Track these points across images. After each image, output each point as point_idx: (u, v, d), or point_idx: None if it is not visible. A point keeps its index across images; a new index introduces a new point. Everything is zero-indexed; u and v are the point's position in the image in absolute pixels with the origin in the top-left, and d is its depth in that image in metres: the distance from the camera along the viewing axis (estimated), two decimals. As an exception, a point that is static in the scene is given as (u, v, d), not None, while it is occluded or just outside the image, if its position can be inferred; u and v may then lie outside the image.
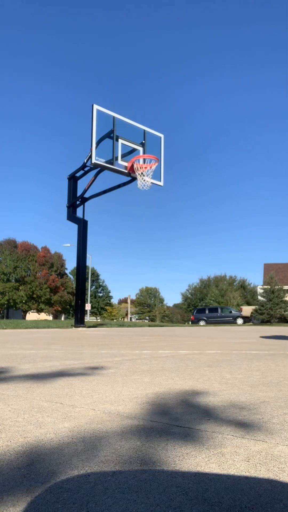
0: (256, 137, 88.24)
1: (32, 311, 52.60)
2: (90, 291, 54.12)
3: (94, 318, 60.30)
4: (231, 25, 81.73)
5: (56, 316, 56.62)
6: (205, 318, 33.06)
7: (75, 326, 9.50)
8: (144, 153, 9.55)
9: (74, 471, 0.74)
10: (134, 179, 9.40)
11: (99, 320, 53.90)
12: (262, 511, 0.60)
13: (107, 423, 1.06)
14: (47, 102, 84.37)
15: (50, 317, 54.13)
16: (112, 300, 69.14)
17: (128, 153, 9.44)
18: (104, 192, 9.99)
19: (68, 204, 9.98)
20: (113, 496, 0.64)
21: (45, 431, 1.00)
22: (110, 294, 67.42)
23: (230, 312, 33.68)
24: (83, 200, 9.90)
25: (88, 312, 43.28)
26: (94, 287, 64.21)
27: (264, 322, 31.84)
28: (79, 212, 9.98)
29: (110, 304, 67.76)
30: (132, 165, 9.13)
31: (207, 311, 34.56)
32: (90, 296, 52.36)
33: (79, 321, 9.58)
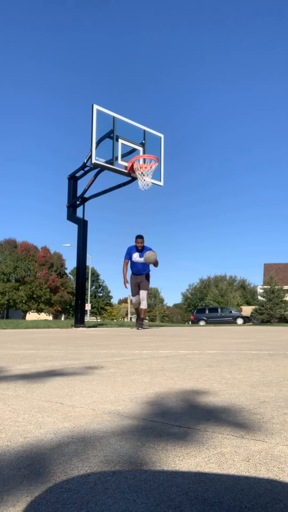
0: (259, 141, 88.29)
1: (32, 311, 52.59)
2: (90, 291, 54.09)
3: (94, 318, 60.30)
4: (233, 23, 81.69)
5: (56, 316, 56.58)
6: (205, 318, 33.07)
7: (75, 326, 9.50)
8: (144, 153, 9.54)
9: (74, 471, 0.74)
10: (134, 179, 9.39)
11: (99, 320, 53.88)
12: (262, 511, 0.60)
13: (107, 423, 1.06)
14: (48, 99, 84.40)
15: (50, 317, 54.11)
16: (112, 300, 69.12)
17: (128, 153, 9.43)
18: (104, 192, 9.99)
19: (68, 204, 9.98)
20: (113, 496, 0.64)
21: (45, 431, 1.00)
22: (110, 294, 67.42)
23: (230, 312, 33.69)
24: (83, 200, 9.90)
25: (88, 312, 43.28)
26: (94, 287, 64.19)
27: (264, 322, 31.84)
28: (79, 212, 9.97)
29: (110, 304, 67.72)
30: (132, 165, 9.13)
31: (207, 311, 34.57)
32: (90, 296, 52.33)
33: (79, 321, 9.57)
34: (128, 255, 8.87)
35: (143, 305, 8.88)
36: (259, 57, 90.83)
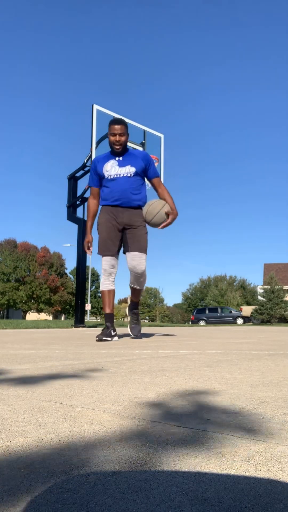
0: (257, 138, 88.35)
1: (32, 311, 52.62)
2: (90, 291, 54.06)
3: (94, 318, 60.32)
4: (232, 22, 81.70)
5: (56, 316, 56.61)
6: (205, 318, 33.10)
7: (75, 326, 9.49)
8: (144, 153, 9.54)
9: (74, 471, 0.74)
10: (134, 179, 9.39)
11: (99, 320, 53.87)
12: (262, 511, 0.60)
13: (107, 423, 1.06)
14: (48, 98, 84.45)
15: (50, 317, 54.13)
16: (112, 300, 68.85)
17: (128, 153, 9.43)
18: (104, 192, 9.99)
19: (68, 204, 9.98)
20: (113, 496, 0.64)
21: (45, 431, 1.00)
22: (110, 294, 67.15)
23: (230, 312, 33.74)
24: (83, 200, 9.90)
25: (88, 312, 43.27)
26: (94, 287, 64.16)
27: (264, 322, 31.85)
28: (79, 212, 9.98)
29: (110, 304, 67.43)
30: (132, 165, 9.11)
31: (207, 311, 34.61)
32: (90, 296, 52.31)
33: (79, 321, 9.57)
34: (96, 176, 4.15)
35: (139, 284, 4.34)
36: (260, 57, 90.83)
